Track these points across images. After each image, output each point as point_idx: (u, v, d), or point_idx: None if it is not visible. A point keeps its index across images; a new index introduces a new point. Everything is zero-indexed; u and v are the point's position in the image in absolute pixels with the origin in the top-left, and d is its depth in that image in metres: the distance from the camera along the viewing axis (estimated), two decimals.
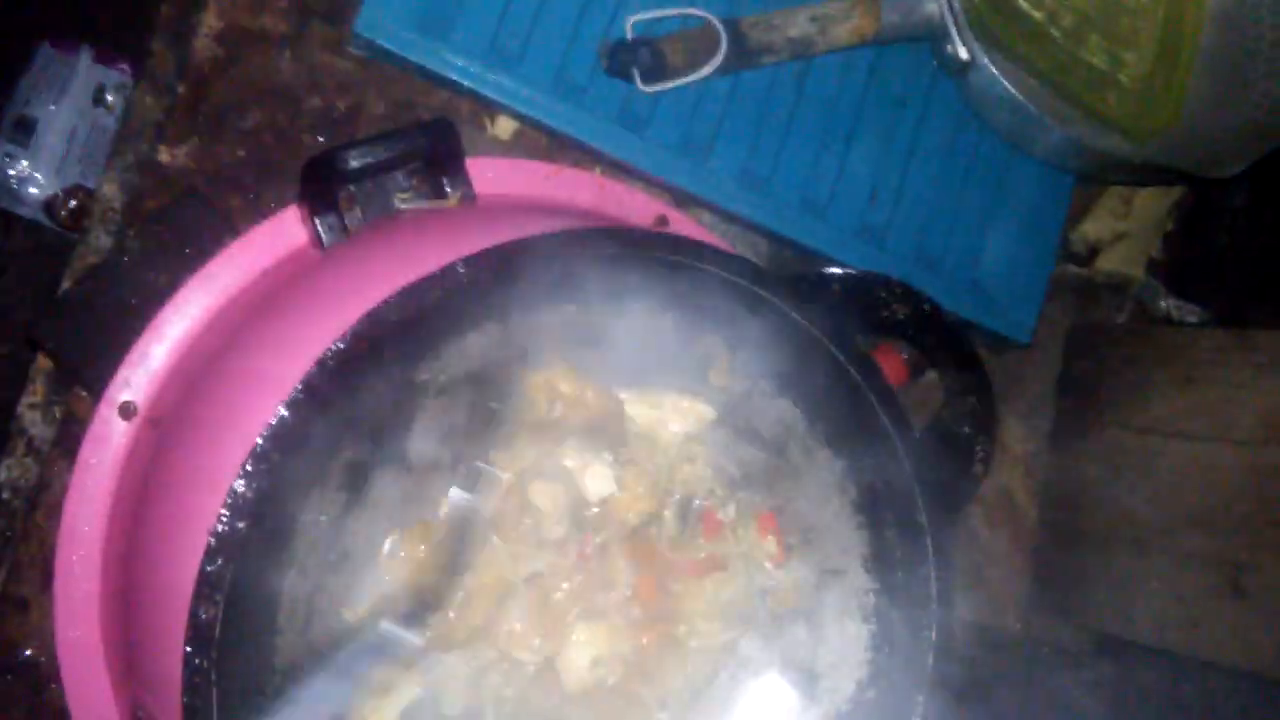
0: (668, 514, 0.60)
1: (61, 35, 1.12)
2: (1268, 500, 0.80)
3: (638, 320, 0.58)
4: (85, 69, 1.11)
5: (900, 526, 0.60)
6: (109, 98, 1.12)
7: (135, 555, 0.60)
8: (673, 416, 0.61)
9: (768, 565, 0.60)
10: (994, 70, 0.71)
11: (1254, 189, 0.95)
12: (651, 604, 0.58)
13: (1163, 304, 0.97)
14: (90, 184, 1.12)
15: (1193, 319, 0.97)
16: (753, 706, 0.60)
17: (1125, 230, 0.95)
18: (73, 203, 1.11)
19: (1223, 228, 0.98)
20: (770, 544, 0.59)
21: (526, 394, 0.56)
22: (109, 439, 0.62)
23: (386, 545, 0.51)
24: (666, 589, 0.59)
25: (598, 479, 0.57)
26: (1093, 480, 0.89)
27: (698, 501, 0.61)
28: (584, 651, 0.54)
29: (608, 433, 0.58)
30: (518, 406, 0.57)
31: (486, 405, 0.56)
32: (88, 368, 0.67)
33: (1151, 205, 0.95)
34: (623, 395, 0.59)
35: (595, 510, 0.57)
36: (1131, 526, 0.87)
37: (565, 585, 0.56)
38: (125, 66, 1.14)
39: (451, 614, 0.52)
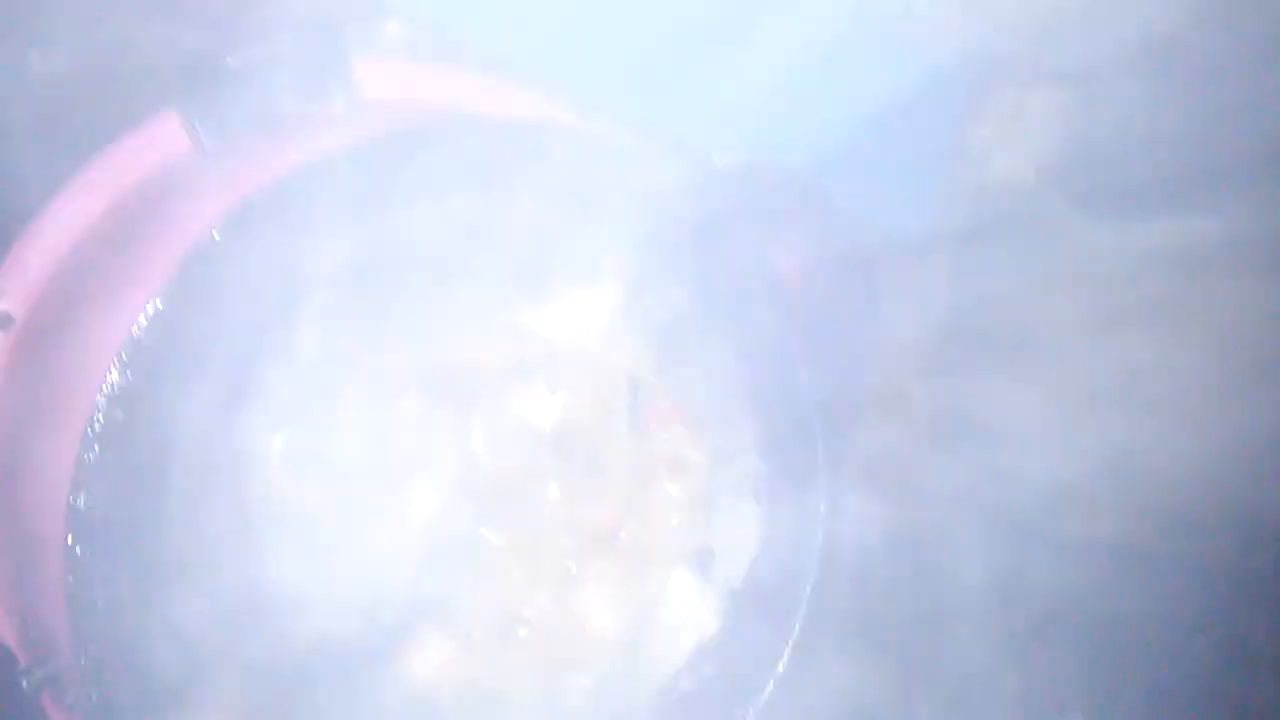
0: (620, 403, 0.61)
1: None
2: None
3: (529, 212, 0.58)
4: None
5: (789, 410, 0.62)
6: None
7: (18, 465, 0.59)
8: (595, 313, 0.61)
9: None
10: None
11: (1140, 89, 0.97)
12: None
13: (1054, 204, 1.00)
14: None
15: (1084, 220, 1.00)
16: (656, 586, 0.61)
17: (1015, 134, 0.97)
18: None
19: (1110, 129, 1.00)
20: (679, 430, 0.60)
21: None
22: None
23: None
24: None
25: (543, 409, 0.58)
26: (986, 373, 0.92)
27: (640, 392, 0.61)
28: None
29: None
30: None
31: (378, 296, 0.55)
32: None
33: (1040, 110, 0.97)
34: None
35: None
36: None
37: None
38: None
39: None
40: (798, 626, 0.57)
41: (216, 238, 0.47)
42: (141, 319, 0.46)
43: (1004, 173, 0.98)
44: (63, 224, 0.62)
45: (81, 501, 0.44)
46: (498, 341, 0.59)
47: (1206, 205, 0.86)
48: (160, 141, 0.64)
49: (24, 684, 0.49)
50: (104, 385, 0.45)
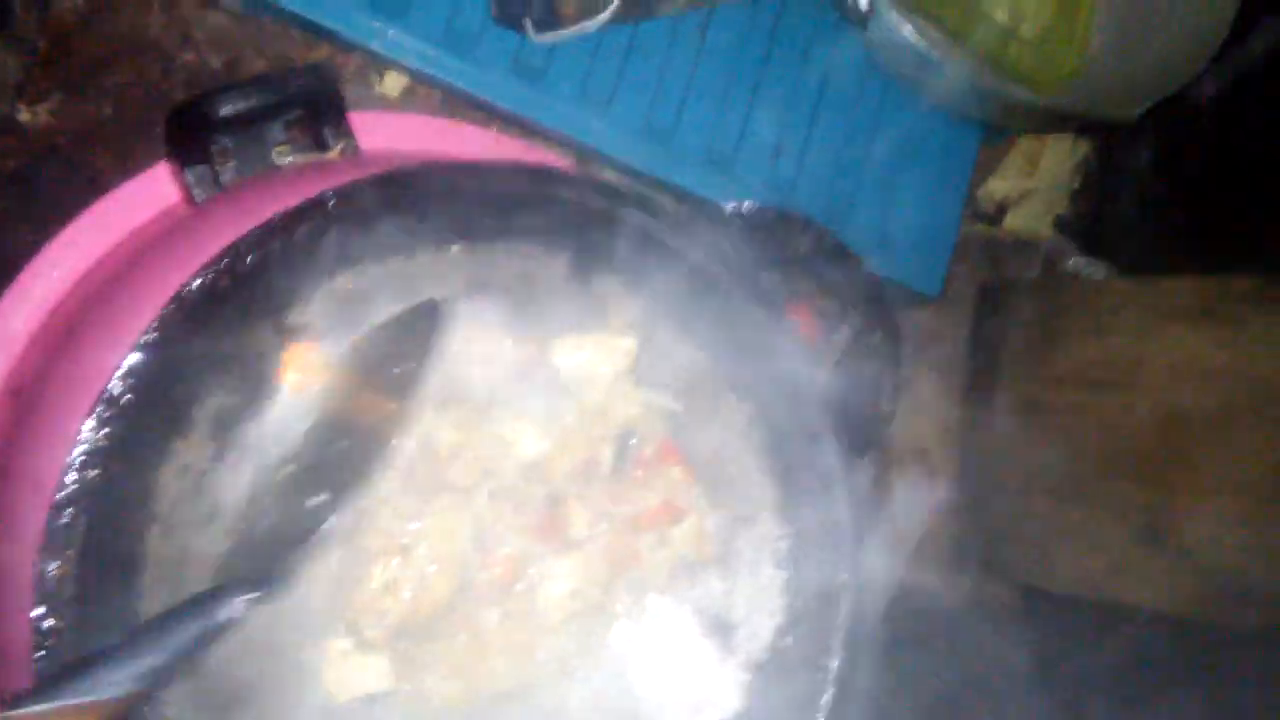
0: (606, 452, 0.57)
1: None
2: (1178, 444, 0.80)
3: (529, 262, 0.55)
4: None
5: (810, 470, 0.58)
6: None
7: None
8: (600, 357, 0.59)
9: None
10: (895, 17, 0.70)
11: (1156, 147, 0.96)
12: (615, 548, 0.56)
13: (1070, 261, 0.98)
14: None
15: (1099, 275, 0.98)
16: (670, 661, 0.57)
17: (1032, 188, 0.95)
18: None
19: (1127, 185, 0.98)
20: (676, 473, 0.56)
21: None
22: None
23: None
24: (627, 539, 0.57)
25: (528, 439, 0.55)
26: (1008, 433, 0.89)
27: (634, 440, 0.58)
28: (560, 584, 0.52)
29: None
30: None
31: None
32: None
33: (1057, 163, 0.95)
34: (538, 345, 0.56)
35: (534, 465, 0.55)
36: (1048, 479, 0.87)
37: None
38: None
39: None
40: (826, 703, 0.53)
41: (196, 290, 0.44)
42: (119, 374, 0.43)
43: (1019, 226, 0.96)
44: (45, 280, 0.60)
45: (51, 568, 0.41)
46: (493, 380, 0.56)
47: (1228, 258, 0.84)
48: (150, 195, 0.62)
49: None
50: (79, 443, 0.42)
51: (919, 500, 0.87)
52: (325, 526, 0.44)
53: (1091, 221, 0.98)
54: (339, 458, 0.46)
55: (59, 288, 0.60)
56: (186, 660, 0.40)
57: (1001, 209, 0.94)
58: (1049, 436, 0.87)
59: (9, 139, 0.64)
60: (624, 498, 0.57)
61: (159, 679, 0.39)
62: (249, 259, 0.45)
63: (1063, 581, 0.84)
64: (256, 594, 0.42)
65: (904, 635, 0.83)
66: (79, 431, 0.47)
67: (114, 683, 0.37)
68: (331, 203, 0.47)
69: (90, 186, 0.61)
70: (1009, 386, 0.90)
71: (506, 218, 0.53)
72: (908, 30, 0.73)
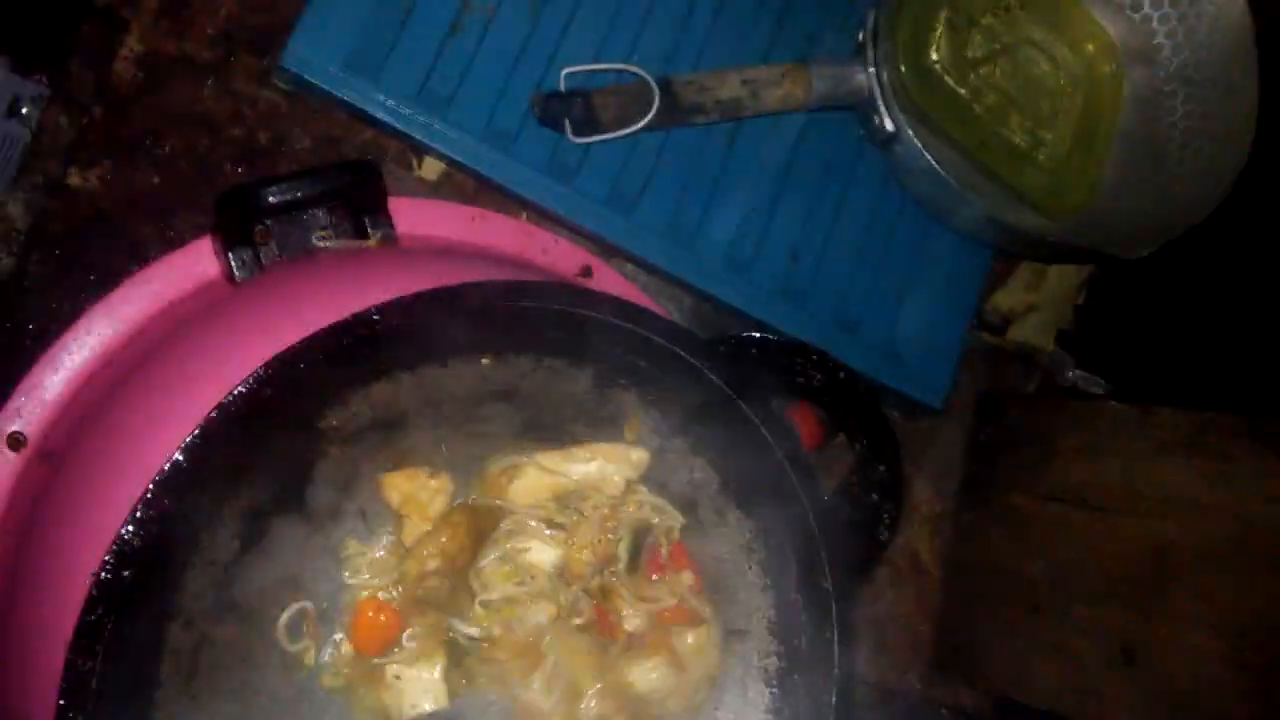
0: (621, 549, 0.59)
1: None
2: (1160, 574, 0.82)
3: (553, 374, 0.57)
4: (1, 80, 1.07)
5: (805, 590, 0.60)
6: (24, 110, 1.08)
7: (15, 593, 0.58)
8: (612, 466, 0.61)
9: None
10: (917, 143, 0.73)
11: (1161, 269, 0.98)
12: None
13: (1070, 374, 1.00)
14: None
15: (1097, 390, 1.00)
16: None
17: (1036, 302, 0.98)
18: None
19: (1130, 304, 1.01)
20: (688, 577, 0.58)
21: None
22: None
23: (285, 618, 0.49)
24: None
25: (541, 551, 0.57)
26: (995, 545, 0.91)
27: (650, 539, 0.60)
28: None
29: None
30: None
31: (391, 454, 0.54)
32: None
33: (1062, 279, 0.98)
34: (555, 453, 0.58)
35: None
36: (1031, 593, 0.89)
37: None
38: (43, 78, 1.10)
39: None
40: None
41: (239, 398, 0.46)
42: (159, 476, 0.44)
43: (1022, 338, 0.98)
44: (83, 346, 0.62)
45: (79, 663, 0.43)
46: (512, 488, 0.58)
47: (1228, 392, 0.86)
48: (189, 269, 0.64)
49: None
50: (115, 543, 0.43)
51: (907, 606, 0.88)
52: None
53: (1093, 338, 1.01)
54: None
55: (96, 354, 0.62)
56: None
57: (1006, 320, 0.97)
58: (1034, 550, 0.89)
59: (57, 201, 0.66)
60: (645, 594, 0.60)
61: None
62: (294, 370, 0.47)
63: (1038, 696, 0.86)
64: None
65: None
66: (116, 523, 0.49)
67: None
68: (376, 318, 0.49)
69: (133, 254, 0.63)
70: (1000, 497, 0.92)
71: (536, 333, 0.55)
72: (928, 154, 0.75)
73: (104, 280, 0.65)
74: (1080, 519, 0.87)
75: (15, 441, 0.59)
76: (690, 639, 0.60)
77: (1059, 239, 0.80)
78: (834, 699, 0.58)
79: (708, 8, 0.77)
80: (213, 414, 0.46)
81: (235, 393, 0.46)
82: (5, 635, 0.57)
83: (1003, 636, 0.89)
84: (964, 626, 0.92)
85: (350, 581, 0.52)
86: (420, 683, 0.53)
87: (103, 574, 0.43)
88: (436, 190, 0.75)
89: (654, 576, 0.61)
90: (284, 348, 0.49)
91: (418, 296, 0.51)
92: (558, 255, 0.71)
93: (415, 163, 0.75)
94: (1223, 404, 0.84)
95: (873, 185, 0.83)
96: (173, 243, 0.66)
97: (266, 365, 0.47)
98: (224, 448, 0.46)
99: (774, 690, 0.60)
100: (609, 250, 0.77)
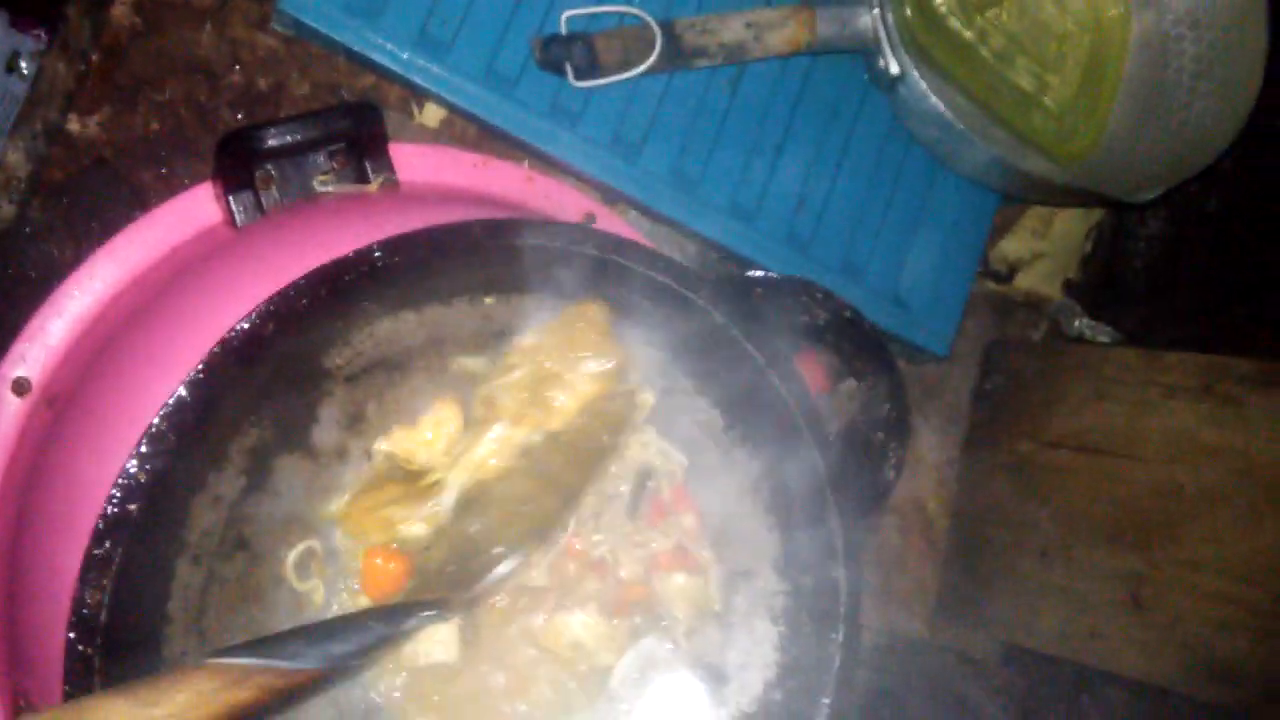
0: (624, 489, 0.59)
1: None
2: (1167, 517, 0.82)
3: (557, 315, 0.57)
4: (0, 35, 1.06)
5: (811, 529, 0.60)
6: (23, 65, 1.07)
7: (23, 536, 0.58)
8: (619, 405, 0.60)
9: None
10: (923, 86, 0.72)
11: (1168, 217, 0.98)
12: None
13: (1076, 324, 1.00)
14: None
15: (1104, 339, 1.00)
16: (662, 707, 0.59)
17: (1044, 251, 0.97)
18: None
19: (1136, 253, 1.00)
20: (689, 520, 0.58)
21: None
22: (0, 415, 0.59)
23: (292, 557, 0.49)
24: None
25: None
26: (1002, 491, 0.91)
27: (651, 482, 0.60)
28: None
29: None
30: None
31: (395, 395, 0.54)
32: None
33: (1069, 228, 0.97)
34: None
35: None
36: (1037, 538, 0.89)
37: None
38: (41, 33, 1.09)
39: None
40: None
41: (242, 334, 0.46)
42: (163, 412, 0.44)
43: (1029, 286, 0.98)
44: (86, 292, 0.61)
45: (88, 596, 0.43)
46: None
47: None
48: (191, 214, 0.63)
49: None
50: (121, 477, 0.43)
51: (914, 553, 0.89)
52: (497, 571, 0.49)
53: (1100, 286, 1.00)
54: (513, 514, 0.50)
55: (99, 300, 0.62)
56: (367, 654, 0.45)
57: (1013, 269, 0.96)
58: (1041, 496, 0.89)
59: (57, 148, 0.66)
60: (640, 539, 0.60)
61: (343, 664, 0.43)
62: (296, 306, 0.47)
63: (1045, 640, 0.86)
64: (432, 614, 0.48)
65: (888, 684, 0.86)
66: (122, 460, 0.49)
67: (307, 657, 0.41)
68: (378, 254, 0.49)
69: (133, 200, 0.63)
70: (1006, 444, 0.92)
71: (539, 271, 0.55)
72: (934, 97, 0.74)
73: (105, 226, 0.65)
74: (1086, 464, 0.87)
75: (20, 387, 0.59)
76: (680, 580, 0.60)
77: (1066, 183, 0.79)
78: (841, 636, 0.59)
79: None
80: (216, 349, 0.46)
81: (238, 328, 0.46)
82: (15, 576, 0.57)
83: (1009, 582, 0.89)
84: (970, 573, 0.92)
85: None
86: (433, 633, 0.53)
87: (109, 508, 0.43)
88: (438, 137, 0.74)
89: (657, 521, 0.61)
90: (283, 286, 0.49)
91: (421, 233, 0.51)
92: (561, 201, 0.71)
93: (416, 109, 0.74)
94: (1231, 349, 0.84)
95: (878, 130, 0.82)
96: (173, 188, 0.66)
97: (269, 300, 0.47)
98: (228, 383, 0.46)
99: (781, 628, 0.60)
100: (612, 196, 0.76)
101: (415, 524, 0.52)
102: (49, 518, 0.56)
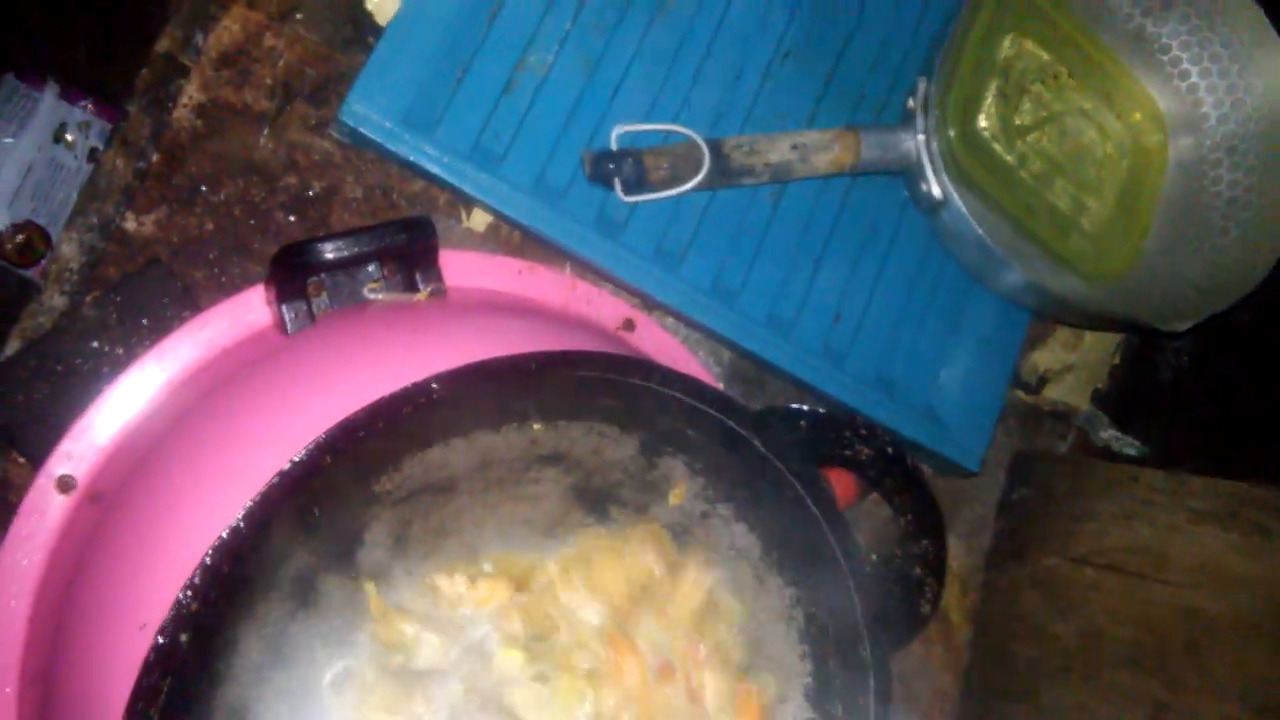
0: None
1: (28, 68, 1.10)
2: (1192, 643, 0.82)
3: (602, 440, 0.58)
4: (49, 105, 1.08)
5: (844, 659, 0.61)
6: (69, 135, 1.10)
7: (62, 638, 0.58)
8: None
9: None
10: (964, 209, 0.73)
11: (1198, 333, 0.98)
12: None
13: (1103, 434, 1.00)
14: (40, 219, 1.10)
15: (1131, 451, 1.00)
16: None
17: (1073, 362, 0.98)
18: (20, 237, 1.08)
19: (1166, 367, 1.01)
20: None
21: None
22: (44, 512, 0.60)
23: (329, 677, 0.50)
24: None
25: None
26: (1026, 605, 0.91)
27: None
28: None
29: None
30: None
31: (440, 516, 0.55)
32: (28, 435, 0.65)
33: (1100, 340, 0.98)
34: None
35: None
36: (1059, 654, 0.88)
37: None
38: (88, 104, 1.12)
39: None
40: None
41: (299, 465, 0.47)
42: (219, 541, 0.45)
43: (1058, 397, 0.98)
44: (135, 391, 0.62)
45: None
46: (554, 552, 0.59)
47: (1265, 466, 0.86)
48: (242, 317, 0.64)
49: None
50: (173, 609, 0.44)
51: (935, 662, 0.88)
52: None
53: (1128, 398, 1.01)
54: None
55: (148, 399, 0.62)
56: None
57: (1042, 379, 0.97)
58: (1066, 614, 0.89)
59: (112, 245, 0.67)
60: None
61: None
62: (355, 436, 0.47)
63: None
64: None
65: None
66: (161, 552, 0.49)
67: None
68: (435, 388, 0.49)
69: (185, 300, 0.64)
70: (1032, 558, 0.92)
71: (588, 400, 0.56)
72: (974, 220, 0.75)
73: (156, 324, 0.66)
74: (1112, 583, 0.87)
75: (65, 484, 0.60)
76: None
77: (1100, 307, 0.80)
78: None
79: (757, 71, 0.77)
80: (274, 481, 0.46)
81: (297, 459, 0.47)
82: (54, 676, 0.58)
83: (1030, 697, 0.89)
84: (992, 684, 0.92)
85: None
86: None
87: (160, 638, 0.44)
88: (484, 241, 0.76)
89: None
90: (340, 404, 0.49)
91: (478, 366, 0.51)
92: (601, 307, 0.72)
93: (464, 214, 0.75)
94: (1259, 474, 0.84)
95: (915, 247, 0.83)
96: (225, 289, 0.67)
97: (327, 433, 0.47)
98: (283, 513, 0.47)
99: None
100: (652, 305, 0.77)
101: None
102: (88, 620, 0.56)
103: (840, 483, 0.67)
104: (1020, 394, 0.96)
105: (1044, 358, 0.96)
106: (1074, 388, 0.98)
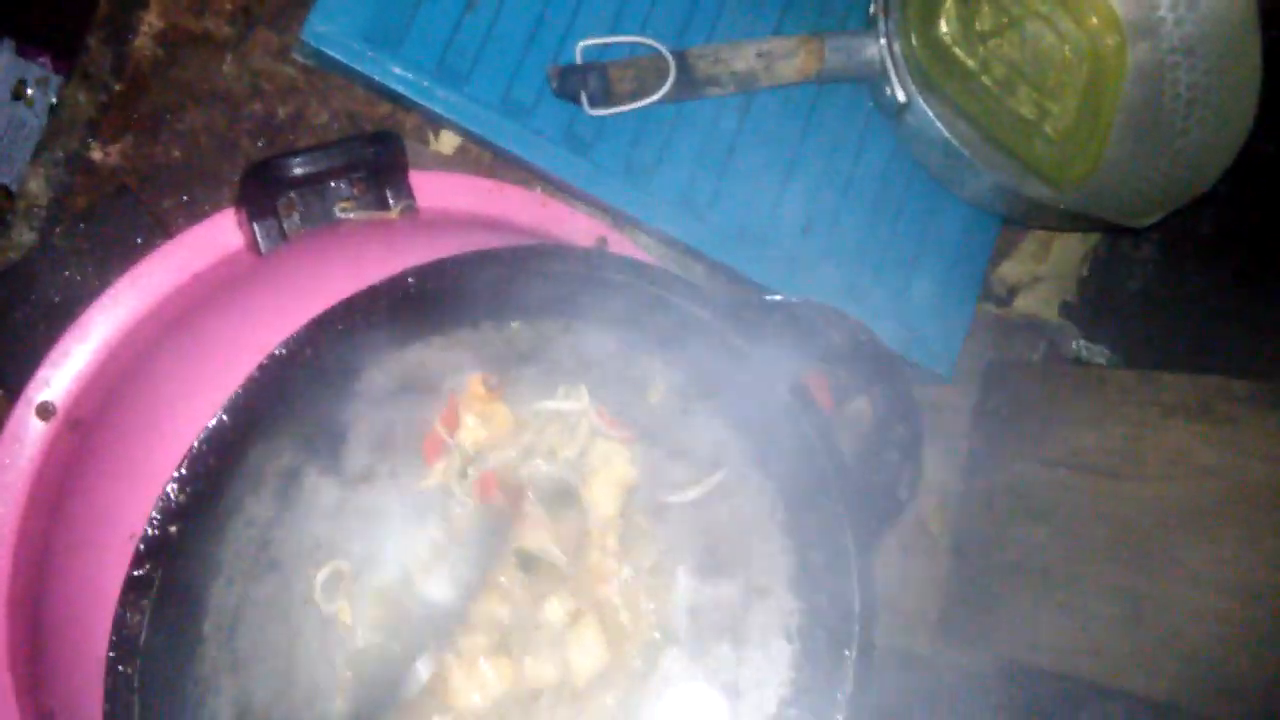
0: None
1: None
2: (1166, 536, 0.84)
3: (581, 338, 0.58)
4: (6, 62, 1.07)
5: (826, 549, 0.62)
6: (29, 92, 1.09)
7: (49, 560, 0.59)
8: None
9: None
10: (928, 113, 0.74)
11: (1161, 241, 1.00)
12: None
13: (1074, 345, 1.01)
14: (4, 179, 1.09)
15: (1101, 360, 1.01)
16: None
17: (1042, 274, 0.99)
18: None
19: (1132, 276, 1.02)
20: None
21: None
22: (25, 439, 0.60)
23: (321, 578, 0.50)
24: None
25: None
26: (1002, 511, 0.92)
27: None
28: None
29: None
30: None
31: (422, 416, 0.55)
32: (6, 365, 0.65)
33: (1067, 251, 0.99)
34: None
35: None
36: (1038, 556, 0.90)
37: None
38: (46, 60, 1.11)
39: None
40: None
41: (281, 358, 0.47)
42: (205, 432, 0.45)
43: (1028, 308, 1.00)
44: (110, 317, 0.62)
45: (128, 617, 0.44)
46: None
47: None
48: (213, 240, 0.64)
49: None
50: (161, 499, 0.44)
51: (916, 571, 0.90)
52: None
53: (1096, 309, 1.02)
54: None
55: (123, 324, 0.62)
56: None
57: (1012, 291, 0.98)
58: (1043, 517, 0.90)
59: (80, 176, 0.67)
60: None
61: None
62: (334, 331, 0.48)
63: (1047, 657, 0.87)
64: None
65: (890, 703, 0.86)
66: (142, 475, 0.50)
67: None
68: (411, 282, 0.50)
69: (156, 227, 0.64)
70: (1006, 465, 0.94)
71: (565, 297, 0.56)
72: (939, 124, 0.76)
73: (128, 253, 0.65)
74: (1087, 484, 0.89)
75: (44, 411, 0.60)
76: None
77: (1066, 207, 0.81)
78: (855, 654, 0.60)
79: None
80: (255, 373, 0.47)
81: (278, 352, 0.47)
82: (40, 598, 0.58)
83: (1011, 600, 0.91)
84: (971, 591, 0.93)
85: None
86: None
87: (150, 530, 0.44)
88: (453, 164, 0.76)
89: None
90: (318, 312, 0.50)
91: (452, 260, 0.52)
92: (573, 226, 0.72)
93: (432, 136, 0.75)
94: (1227, 370, 0.85)
95: (882, 158, 0.84)
96: (196, 216, 0.67)
97: (307, 326, 0.48)
98: (266, 407, 0.47)
99: (795, 645, 0.61)
100: (622, 221, 0.78)
101: None
102: (74, 540, 0.56)
103: (817, 390, 0.68)
104: (991, 307, 0.97)
105: (1012, 269, 0.98)
106: (1043, 299, 1.00)
